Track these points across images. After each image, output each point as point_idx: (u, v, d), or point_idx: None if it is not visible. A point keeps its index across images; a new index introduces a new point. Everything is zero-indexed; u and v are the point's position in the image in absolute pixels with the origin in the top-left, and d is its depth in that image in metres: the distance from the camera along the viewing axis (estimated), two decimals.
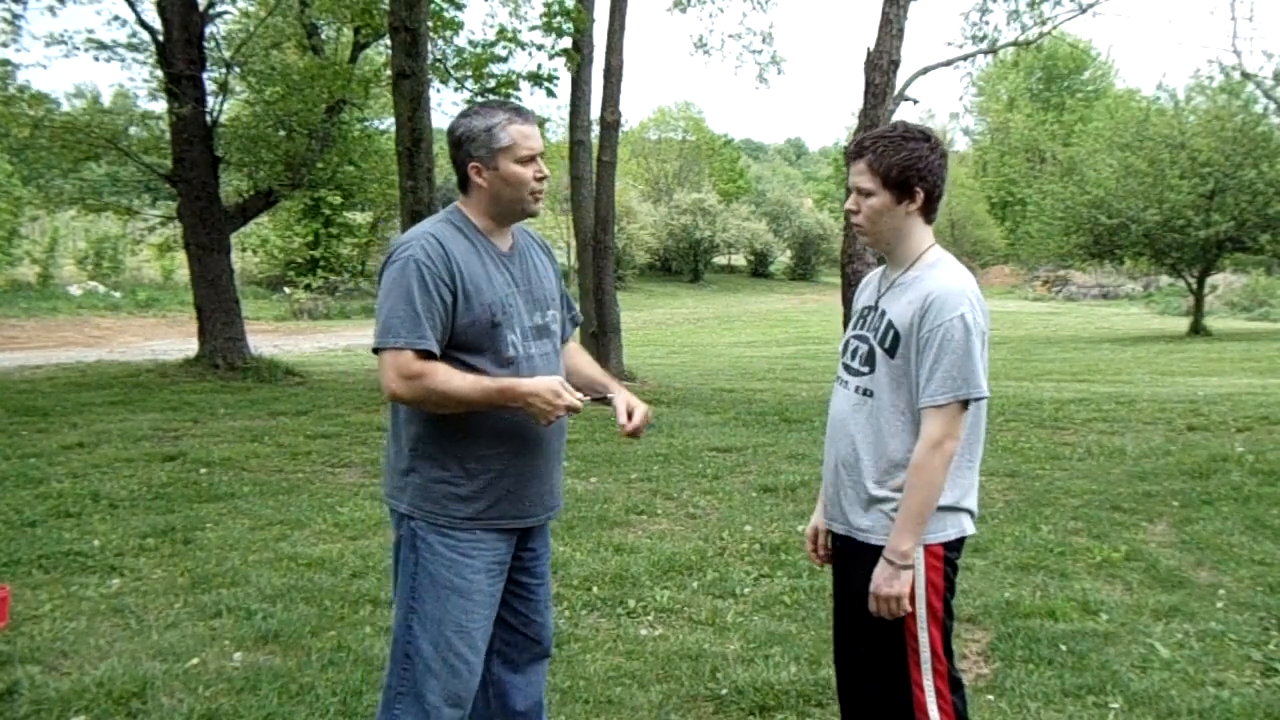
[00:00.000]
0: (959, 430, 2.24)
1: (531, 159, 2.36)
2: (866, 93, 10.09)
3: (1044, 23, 14.36)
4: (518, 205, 2.40)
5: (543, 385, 2.28)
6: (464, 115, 2.40)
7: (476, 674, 2.41)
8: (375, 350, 2.31)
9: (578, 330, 2.80)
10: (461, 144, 2.37)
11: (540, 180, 2.38)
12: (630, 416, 2.45)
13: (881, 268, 2.49)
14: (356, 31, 13.92)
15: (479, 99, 12.72)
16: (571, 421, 2.56)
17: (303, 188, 15.36)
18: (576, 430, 7.61)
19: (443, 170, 12.60)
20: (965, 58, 14.57)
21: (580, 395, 2.35)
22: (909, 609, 2.26)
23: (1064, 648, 3.67)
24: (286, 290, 29.83)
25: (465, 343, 2.33)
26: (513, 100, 2.50)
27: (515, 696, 2.55)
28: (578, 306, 2.77)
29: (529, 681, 2.58)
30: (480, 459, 2.36)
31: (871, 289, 2.47)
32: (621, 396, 2.51)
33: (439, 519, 2.36)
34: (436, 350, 2.28)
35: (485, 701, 2.55)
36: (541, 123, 13.09)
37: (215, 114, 12.87)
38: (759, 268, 51.12)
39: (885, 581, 2.25)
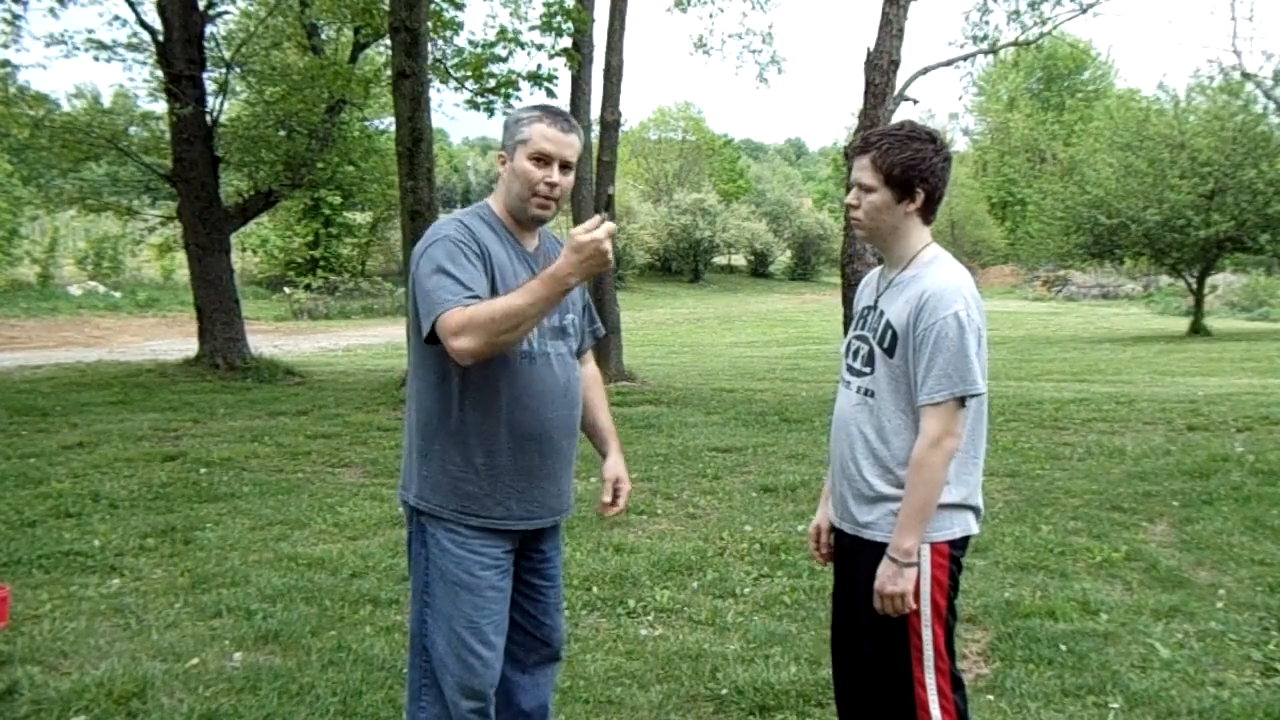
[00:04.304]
0: (957, 427, 2.24)
1: (545, 161, 2.31)
2: (866, 93, 10.09)
3: (1044, 23, 14.36)
4: (521, 204, 2.35)
5: (573, 251, 2.08)
6: (516, 107, 2.44)
7: (492, 668, 2.38)
8: (431, 331, 2.18)
9: (593, 352, 2.74)
10: (503, 131, 2.40)
11: (549, 186, 2.32)
12: (615, 498, 2.57)
13: (880, 267, 2.50)
14: (356, 31, 13.92)
15: (479, 99, 12.77)
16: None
17: (303, 188, 15.37)
18: None
19: (442, 170, 12.61)
20: (965, 58, 14.56)
21: (604, 225, 2.12)
22: (913, 606, 2.26)
23: (1064, 648, 3.66)
24: (286, 290, 29.84)
25: None
26: (558, 106, 2.45)
27: (521, 696, 2.55)
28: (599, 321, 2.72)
29: (536, 683, 2.57)
30: (489, 454, 2.34)
31: (871, 289, 2.48)
32: (612, 461, 2.60)
33: (445, 513, 2.35)
34: (485, 295, 2.19)
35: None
36: None
37: (215, 114, 12.88)
38: (759, 268, 51.14)
39: (889, 579, 2.25)
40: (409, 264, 2.38)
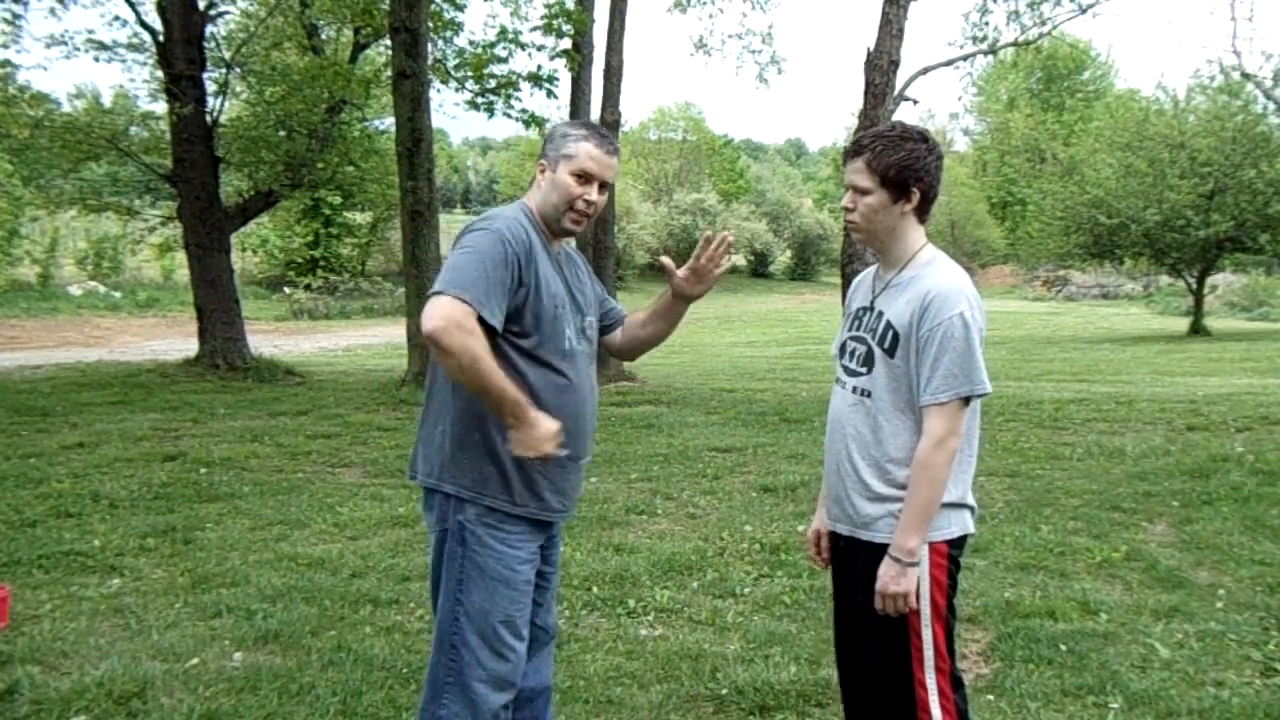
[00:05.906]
0: (961, 427, 2.25)
1: (587, 179, 2.41)
2: (866, 93, 10.09)
3: (1044, 23, 14.36)
4: (555, 215, 2.43)
5: (550, 427, 2.26)
6: (561, 121, 2.49)
7: (523, 658, 2.46)
8: (436, 292, 2.23)
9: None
10: (545, 140, 2.51)
11: (587, 204, 2.42)
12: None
13: (873, 268, 2.50)
14: (356, 31, 13.93)
15: (480, 99, 12.78)
16: None
17: (303, 188, 15.37)
18: None
19: (442, 170, 12.65)
20: (965, 58, 14.57)
21: (560, 452, 2.33)
22: (914, 606, 2.27)
23: (1064, 648, 3.67)
24: (286, 290, 29.86)
25: (539, 329, 2.37)
26: (604, 129, 2.54)
27: (523, 682, 2.58)
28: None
29: (536, 669, 2.63)
30: None
31: (865, 290, 2.48)
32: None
33: (484, 501, 2.38)
34: (498, 328, 2.27)
35: None
36: (540, 123, 13.12)
37: (215, 114, 12.89)
38: (759, 268, 51.17)
39: (892, 579, 2.25)
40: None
